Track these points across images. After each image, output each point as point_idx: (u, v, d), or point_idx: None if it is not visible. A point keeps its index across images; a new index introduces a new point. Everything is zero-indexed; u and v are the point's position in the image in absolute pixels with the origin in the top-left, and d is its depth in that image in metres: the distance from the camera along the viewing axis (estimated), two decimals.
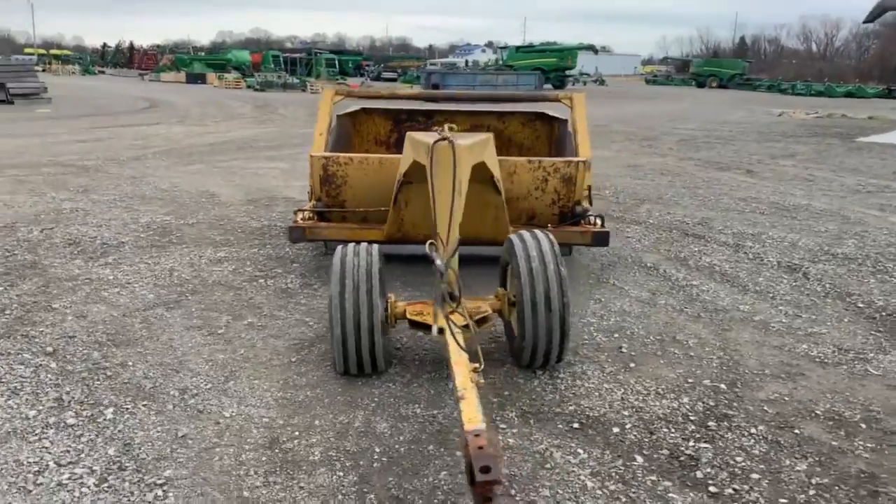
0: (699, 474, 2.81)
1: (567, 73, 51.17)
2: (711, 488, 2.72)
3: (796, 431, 3.17)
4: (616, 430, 3.14)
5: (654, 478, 2.78)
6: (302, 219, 5.00)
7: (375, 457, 2.85)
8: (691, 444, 3.03)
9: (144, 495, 2.54)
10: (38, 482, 2.60)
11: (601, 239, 4.99)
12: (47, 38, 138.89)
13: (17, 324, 4.12)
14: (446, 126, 4.18)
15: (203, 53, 72.06)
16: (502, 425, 3.15)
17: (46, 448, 2.82)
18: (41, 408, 3.15)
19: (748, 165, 11.60)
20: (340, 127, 6.03)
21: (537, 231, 3.71)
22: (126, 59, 73.03)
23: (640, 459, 2.91)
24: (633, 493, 2.68)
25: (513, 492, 2.63)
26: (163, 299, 4.60)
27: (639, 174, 10.46)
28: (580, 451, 2.96)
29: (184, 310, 4.42)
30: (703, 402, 3.41)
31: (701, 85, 59.52)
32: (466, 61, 69.22)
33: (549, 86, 49.24)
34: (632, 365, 3.82)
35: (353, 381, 3.49)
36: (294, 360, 3.75)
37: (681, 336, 4.24)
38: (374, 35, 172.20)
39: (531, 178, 4.94)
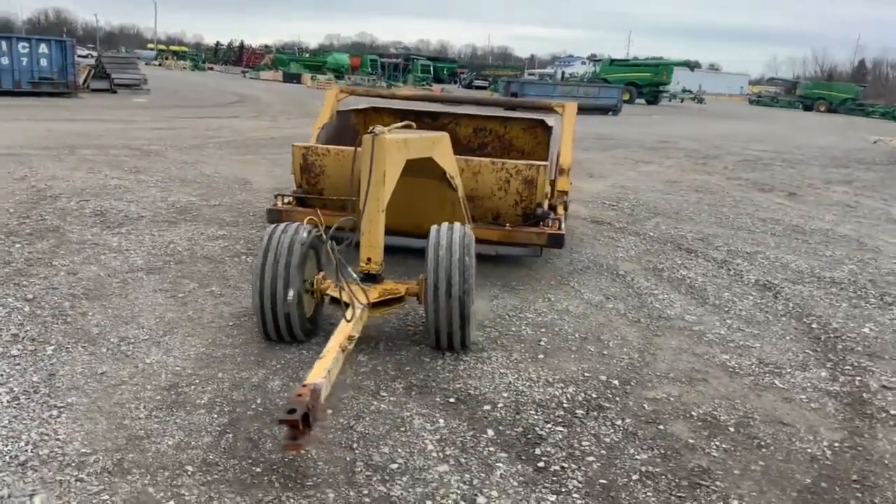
0: (538, 451, 3.02)
1: (661, 88, 50.15)
2: (540, 464, 2.92)
3: (660, 427, 3.31)
4: (487, 407, 3.38)
5: (492, 448, 3.01)
6: (282, 203, 5.44)
7: (254, 407, 3.21)
8: (548, 426, 3.23)
9: (42, 413, 3.01)
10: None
11: (556, 240, 5.17)
12: (171, 34, 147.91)
13: (15, 274, 4.75)
14: (401, 123, 4.53)
15: (307, 55, 74.88)
16: (384, 394, 3.44)
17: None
18: (1, 340, 3.70)
19: (795, 189, 11.28)
20: (341, 122, 6.45)
21: (457, 224, 3.97)
22: (236, 56, 76.88)
23: (490, 433, 3.14)
24: (465, 458, 2.92)
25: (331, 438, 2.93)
26: (149, 266, 5.14)
27: (672, 190, 10.40)
28: (441, 420, 3.22)
29: (161, 276, 4.94)
30: (586, 394, 3.59)
31: (808, 108, 56.95)
32: (562, 73, 68.97)
33: (641, 101, 48.48)
34: (540, 356, 4.02)
35: (272, 346, 3.87)
36: (231, 324, 4.16)
37: (606, 336, 4.39)
38: (476, 43, 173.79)
39: (494, 178, 5.18)
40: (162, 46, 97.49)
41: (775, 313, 5.05)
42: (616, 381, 3.76)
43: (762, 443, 3.22)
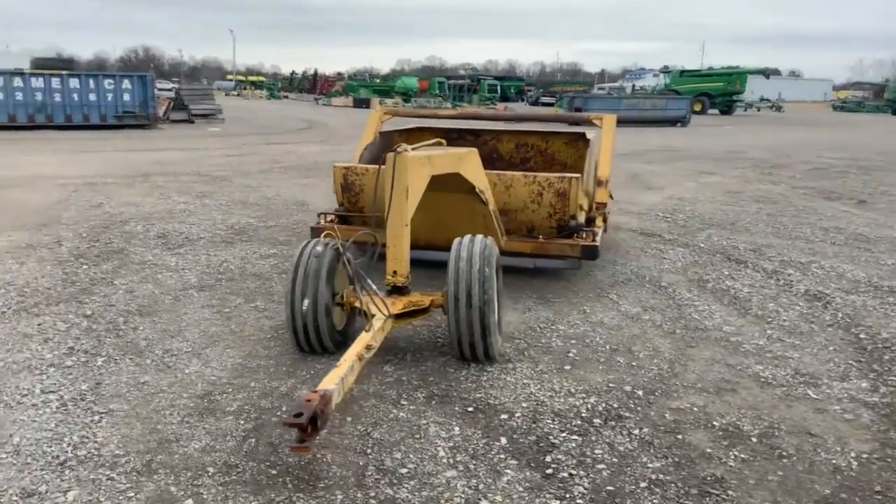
0: (548, 458, 3.05)
1: (735, 98, 48.83)
2: (549, 470, 2.96)
3: (678, 437, 3.29)
4: (504, 416, 3.43)
5: (503, 455, 3.07)
6: (324, 221, 5.66)
7: (279, 414, 3.37)
8: (563, 435, 3.26)
9: (85, 418, 3.26)
10: (21, 401, 3.40)
11: (589, 252, 5.18)
12: (249, 65, 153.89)
13: (79, 293, 5.12)
14: (432, 141, 4.68)
15: (378, 80, 76.57)
16: (404, 402, 3.55)
17: (41, 380, 3.65)
18: (56, 352, 4.01)
19: (867, 196, 10.81)
20: (384, 142, 6.64)
21: (479, 236, 4.06)
22: (310, 84, 79.40)
23: (504, 441, 3.20)
24: (474, 464, 2.99)
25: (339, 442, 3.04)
26: (201, 283, 5.44)
27: (731, 200, 10.15)
28: (456, 428, 3.30)
29: (211, 292, 5.22)
30: (608, 404, 3.59)
31: None
32: (633, 86, 68.08)
33: (714, 111, 47.27)
34: (567, 367, 4.05)
35: (304, 357, 4.04)
36: (269, 336, 4.37)
37: (637, 348, 4.37)
38: (544, 61, 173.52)
39: (527, 191, 5.25)
40: (241, 77, 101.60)
41: (821, 324, 4.89)
42: (640, 392, 3.75)
43: (784, 453, 3.15)
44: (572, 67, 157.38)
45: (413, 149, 4.11)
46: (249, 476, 2.84)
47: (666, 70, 63.71)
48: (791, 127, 33.84)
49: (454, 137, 7.30)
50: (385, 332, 3.80)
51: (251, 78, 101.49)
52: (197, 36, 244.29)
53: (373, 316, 3.82)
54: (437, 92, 56.61)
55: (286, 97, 66.42)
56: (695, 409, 3.57)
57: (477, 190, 4.84)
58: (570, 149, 6.98)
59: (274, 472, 2.88)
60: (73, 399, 3.44)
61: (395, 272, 4.05)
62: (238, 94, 68.75)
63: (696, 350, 4.37)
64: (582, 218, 5.48)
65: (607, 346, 4.38)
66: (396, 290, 4.06)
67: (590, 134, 6.48)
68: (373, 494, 2.75)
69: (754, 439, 3.28)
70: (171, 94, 26.22)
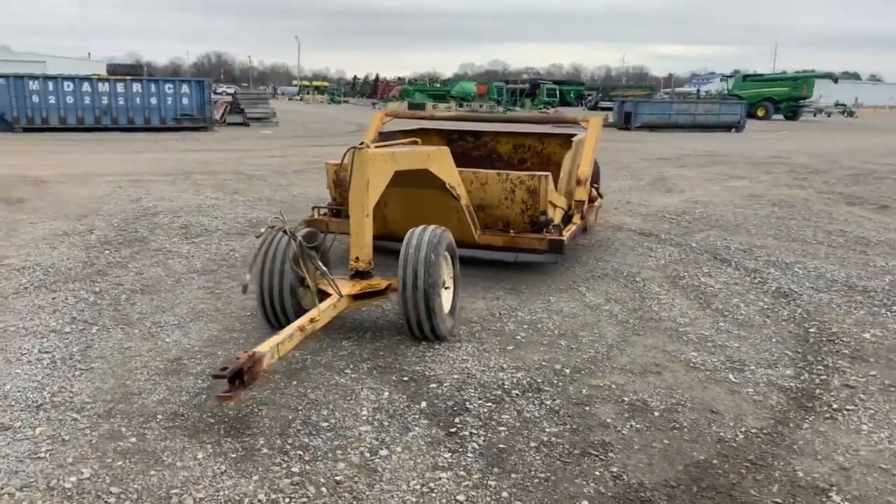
0: (457, 420, 3.41)
1: (801, 102, 47.50)
2: (453, 429, 3.32)
3: (586, 408, 3.59)
4: (433, 385, 3.80)
5: (418, 416, 3.44)
6: (318, 214, 6.13)
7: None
8: (479, 402, 3.61)
9: (68, 374, 3.79)
10: (20, 358, 3.97)
11: (555, 246, 5.48)
12: (315, 70, 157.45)
13: (95, 273, 5.73)
14: (407, 140, 5.10)
15: (437, 84, 77.39)
16: (348, 371, 3.95)
17: (41, 343, 4.22)
18: (60, 322, 4.59)
19: (892, 202, 10.65)
20: (384, 142, 7.06)
21: (432, 227, 4.44)
22: (371, 89, 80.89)
23: (423, 404, 3.57)
24: (389, 421, 3.37)
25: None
26: (204, 268, 5.99)
27: (747, 204, 10.19)
28: (385, 393, 3.69)
29: (210, 276, 5.75)
30: (532, 379, 3.92)
31: None
32: (698, 91, 66.84)
33: (779, 116, 46.11)
34: (510, 348, 4.38)
35: (273, 332, 4.47)
36: (248, 315, 4.85)
37: (584, 334, 4.66)
38: (609, 65, 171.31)
39: (500, 189, 5.59)
40: (305, 82, 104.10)
41: (777, 318, 5.07)
42: (568, 370, 4.05)
43: (678, 426, 3.42)
44: (638, 71, 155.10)
45: (377, 146, 4.53)
46: (190, 423, 3.30)
47: (730, 75, 62.28)
48: (856, 132, 32.77)
49: (456, 138, 7.70)
50: (338, 309, 4.22)
51: (315, 83, 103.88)
52: (266, 42, 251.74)
53: (323, 294, 4.26)
54: (495, 96, 56.99)
55: (346, 101, 67.89)
56: (613, 386, 3.86)
57: (448, 185, 5.21)
58: (564, 150, 7.25)
59: (212, 420, 3.33)
60: (63, 358, 3.99)
61: (357, 258, 4.47)
62: (301, 99, 70.66)
63: (640, 337, 4.63)
64: (556, 214, 5.78)
65: (556, 332, 4.68)
66: (358, 275, 4.48)
67: (580, 135, 6.76)
68: (290, 441, 3.16)
69: (656, 413, 3.55)
70: (229, 99, 27.42)
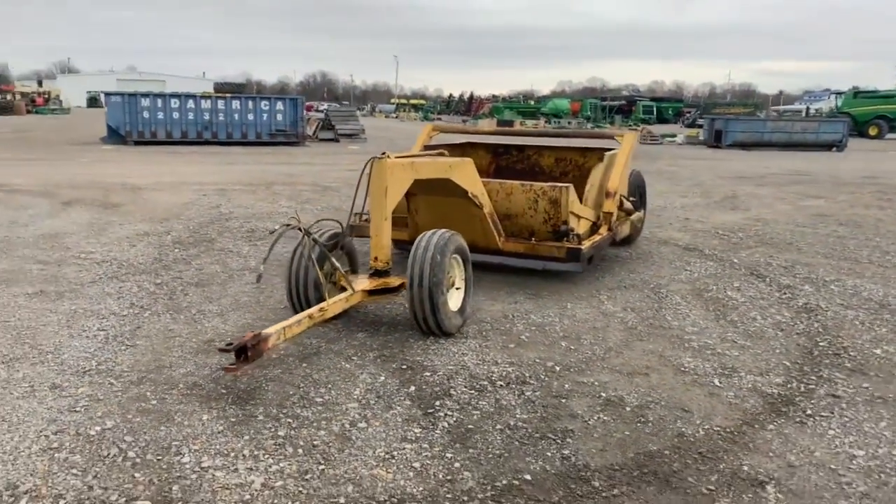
0: (438, 403, 3.75)
1: None
2: (430, 410, 3.66)
3: (562, 401, 3.85)
4: (427, 373, 4.16)
5: (403, 398, 3.80)
6: (358, 220, 6.62)
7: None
8: (463, 389, 3.94)
9: (116, 348, 4.40)
10: (81, 334, 4.63)
11: (573, 254, 5.71)
12: (415, 89, 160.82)
13: (160, 268, 6.44)
14: (435, 152, 5.51)
15: (532, 102, 77.57)
16: (355, 358, 4.37)
17: (101, 322, 4.87)
18: (121, 306, 5.26)
19: None
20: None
21: (441, 230, 4.82)
22: (465, 107, 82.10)
23: (412, 388, 3.93)
24: (375, 400, 3.75)
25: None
26: (258, 267, 6.59)
27: (812, 223, 9.96)
28: (381, 377, 4.08)
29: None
30: (521, 373, 4.20)
31: None
32: (807, 109, 63.99)
33: (893, 136, 43.49)
34: (511, 346, 4.68)
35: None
36: (283, 307, 5.35)
37: (587, 337, 4.89)
38: (714, 82, 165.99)
39: (524, 198, 5.89)
40: (403, 100, 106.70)
41: (790, 332, 5.11)
42: (558, 368, 4.31)
43: (644, 420, 3.63)
44: (745, 88, 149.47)
45: (397, 156, 4.96)
46: (205, 392, 3.80)
47: (841, 92, 59.18)
48: None
49: (501, 152, 8.05)
50: (350, 303, 4.66)
51: (412, 101, 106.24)
52: (368, 62, 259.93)
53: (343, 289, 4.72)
54: (588, 113, 56.69)
55: (439, 119, 69.21)
56: (596, 383, 4.09)
57: (470, 194, 5.58)
58: None
59: (224, 391, 3.82)
60: (115, 336, 4.62)
61: (376, 258, 4.90)
62: (396, 117, 72.60)
63: (641, 343, 4.81)
64: (581, 225, 6.02)
65: (561, 334, 4.93)
66: (377, 273, 4.91)
67: (613, 150, 6.96)
68: (284, 412, 3.60)
69: (628, 409, 3.77)
70: (322, 115, 28.78)
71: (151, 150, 21.09)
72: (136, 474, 2.96)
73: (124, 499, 2.78)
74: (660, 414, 3.70)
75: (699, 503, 2.89)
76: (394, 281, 4.88)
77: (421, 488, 2.94)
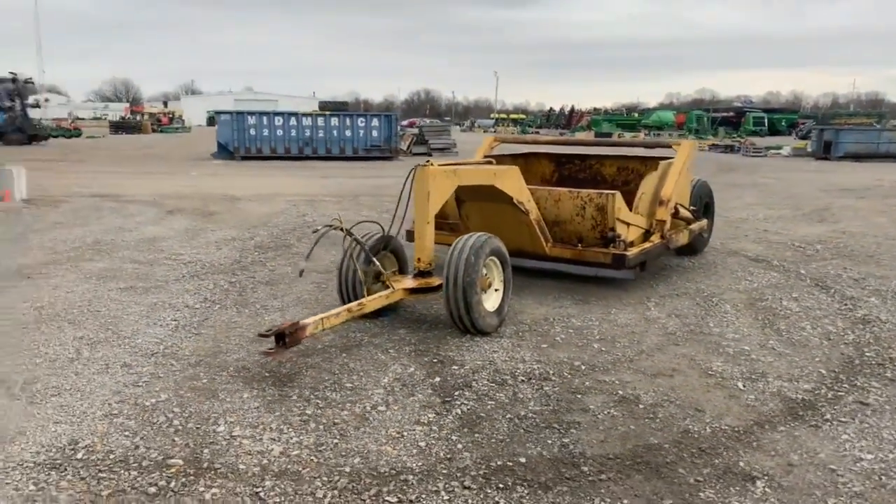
0: (457, 393, 3.99)
1: None
2: (448, 398, 3.92)
3: (578, 396, 4.01)
4: (455, 367, 4.42)
5: (425, 387, 4.08)
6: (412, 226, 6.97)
7: (298, 349, 4.73)
8: (485, 382, 4.16)
9: (183, 335, 4.92)
10: (156, 323, 5.19)
11: (618, 260, 5.80)
12: (516, 103, 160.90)
13: (238, 269, 7.03)
14: (483, 159, 5.79)
15: (636, 114, 76.08)
16: (392, 351, 4.69)
17: (175, 314, 5.43)
18: (195, 300, 5.83)
19: None
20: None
21: (478, 234, 5.07)
22: (566, 120, 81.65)
23: (437, 379, 4.20)
24: (400, 387, 4.05)
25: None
26: (325, 269, 7.06)
27: None
28: (411, 369, 4.37)
29: (325, 275, 6.79)
30: (544, 370, 4.38)
31: None
32: None
33: None
34: (544, 346, 4.86)
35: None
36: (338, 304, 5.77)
37: (623, 340, 4.99)
38: (837, 91, 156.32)
39: (572, 205, 6.04)
40: (503, 115, 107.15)
41: (838, 342, 5.00)
42: (584, 367, 4.45)
43: (653, 416, 3.73)
44: (872, 97, 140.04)
45: (440, 164, 5.28)
46: (251, 375, 4.22)
47: None
48: None
49: (564, 162, 8.20)
50: (390, 299, 4.99)
51: (512, 116, 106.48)
52: (470, 79, 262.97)
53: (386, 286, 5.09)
54: (695, 125, 55.06)
55: (537, 132, 69.16)
56: (616, 382, 4.21)
57: (515, 201, 5.80)
58: None
59: (267, 375, 4.23)
60: (185, 325, 5.15)
61: (419, 259, 5.22)
62: (494, 131, 73.18)
63: (676, 347, 4.86)
64: (630, 232, 6.09)
65: (597, 337, 5.05)
66: (420, 274, 5.23)
67: (669, 159, 6.97)
68: (316, 394, 3.96)
69: (641, 406, 3.87)
70: (416, 131, 29.62)
71: (256, 164, 22.44)
72: (176, 438, 3.39)
73: (162, 457, 3.20)
74: (671, 412, 3.78)
75: (683, 492, 2.99)
76: (434, 281, 5.16)
77: (420, 464, 3.20)
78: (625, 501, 2.92)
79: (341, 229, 5.01)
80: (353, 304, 4.68)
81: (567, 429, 3.57)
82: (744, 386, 4.15)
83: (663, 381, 4.23)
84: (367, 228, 5.48)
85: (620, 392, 4.05)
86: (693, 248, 7.70)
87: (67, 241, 8.43)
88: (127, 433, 3.43)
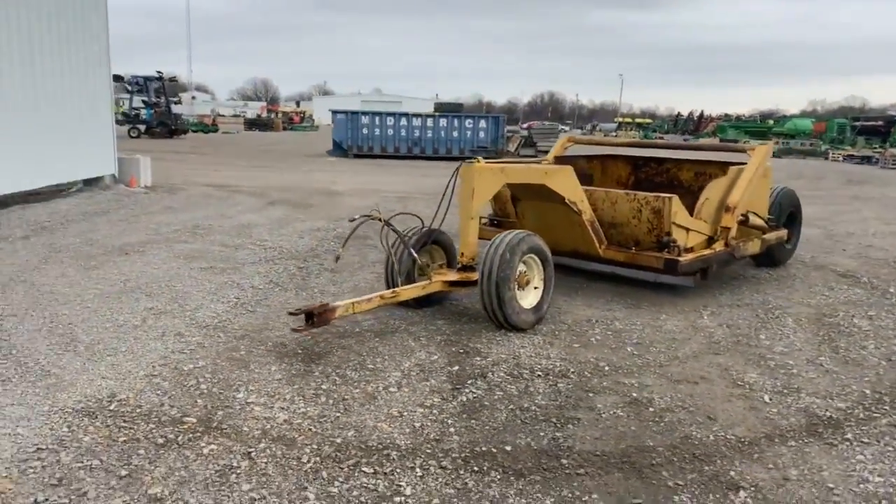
0: (469, 381, 4.10)
1: None
2: (459, 386, 4.03)
3: (589, 395, 4.01)
4: (478, 358, 4.52)
5: (441, 373, 4.21)
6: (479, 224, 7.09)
7: (336, 330, 5.00)
8: (501, 375, 4.24)
9: (239, 312, 5.31)
10: (220, 300, 5.63)
11: (670, 265, 5.66)
12: (644, 107, 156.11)
13: (310, 256, 7.45)
14: (541, 159, 5.86)
15: (771, 122, 71.99)
16: (423, 340, 4.86)
17: (239, 293, 5.86)
18: (262, 282, 6.25)
19: None
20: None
21: (516, 231, 5.14)
22: (694, 125, 78.51)
23: (455, 368, 4.33)
24: (416, 372, 4.21)
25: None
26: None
27: None
28: (434, 356, 4.52)
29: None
30: (565, 368, 4.40)
31: None
32: None
33: None
34: (576, 346, 4.86)
35: (397, 307, 5.59)
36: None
37: (660, 345, 4.90)
38: None
39: (629, 208, 5.96)
40: (628, 119, 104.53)
41: (891, 360, 4.67)
42: (608, 368, 4.43)
43: (658, 420, 3.68)
44: None
45: (488, 161, 5.40)
46: (285, 351, 4.52)
47: None
48: None
49: (640, 165, 8.05)
50: (426, 290, 5.17)
51: (638, 120, 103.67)
52: (596, 81, 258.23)
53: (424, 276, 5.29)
54: (835, 134, 51.45)
55: (661, 137, 66.99)
56: (636, 385, 4.16)
57: (567, 201, 5.81)
58: None
59: (300, 352, 4.52)
60: (244, 303, 5.56)
61: (462, 254, 5.37)
62: (615, 135, 71.66)
63: (714, 356, 4.72)
64: (690, 237, 5.92)
65: (634, 341, 4.99)
66: (463, 268, 5.37)
67: (740, 165, 6.69)
68: (338, 371, 4.19)
69: (651, 409, 3.83)
70: (525, 133, 29.61)
71: (365, 162, 23.30)
72: (199, 400, 3.72)
73: (180, 414, 3.54)
74: (680, 417, 3.72)
75: (658, 493, 2.97)
76: (474, 275, 5.28)
77: (409, 442, 3.35)
78: (594, 496, 2.93)
79: (379, 219, 5.22)
80: (387, 292, 4.89)
81: (564, 424, 3.60)
82: (770, 399, 3.99)
83: (685, 387, 4.14)
84: (412, 222, 5.66)
85: (635, 394, 4.01)
86: (773, 259, 7.35)
87: (171, 224, 9.21)
88: (158, 392, 3.80)
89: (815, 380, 4.31)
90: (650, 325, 5.34)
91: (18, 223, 8.73)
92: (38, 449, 3.14)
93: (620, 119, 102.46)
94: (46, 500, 2.75)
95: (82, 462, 3.04)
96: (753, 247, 6.59)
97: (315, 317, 4.32)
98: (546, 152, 24.87)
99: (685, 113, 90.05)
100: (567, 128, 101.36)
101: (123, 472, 2.97)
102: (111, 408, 3.59)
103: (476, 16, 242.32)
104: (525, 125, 51.21)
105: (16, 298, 5.53)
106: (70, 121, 11.61)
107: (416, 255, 5.34)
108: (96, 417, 3.47)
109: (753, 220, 6.52)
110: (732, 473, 3.14)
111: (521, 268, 5.14)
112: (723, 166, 7.45)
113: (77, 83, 11.89)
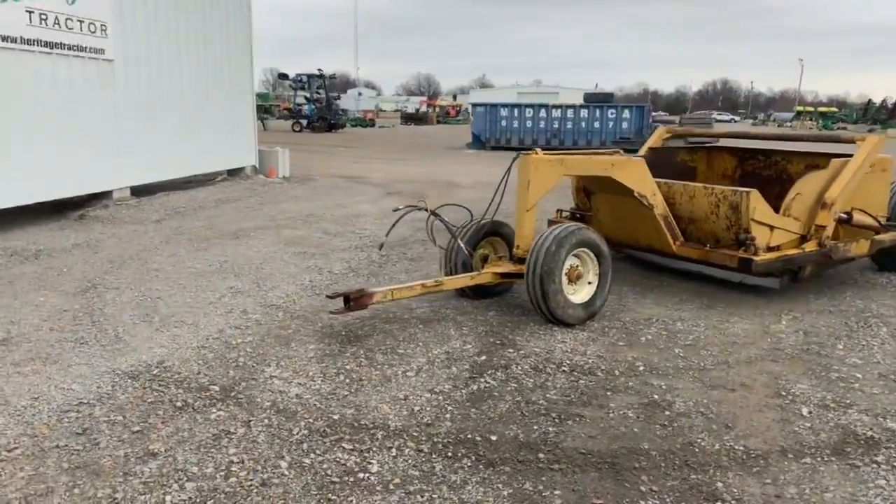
0: (489, 371, 4.14)
1: None
2: (476, 375, 4.08)
3: (608, 394, 3.90)
4: (510, 350, 4.52)
5: (466, 362, 4.27)
6: (559, 216, 6.99)
7: (379, 315, 5.19)
8: (525, 368, 4.22)
9: (308, 294, 5.67)
10: (293, 282, 6.04)
11: (744, 264, 5.27)
12: (832, 95, 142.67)
13: (398, 245, 7.70)
14: (597, 152, 5.77)
15: None
16: (466, 329, 4.92)
17: (315, 277, 6.24)
18: (342, 268, 6.60)
19: None
20: (659, 157, 7.34)
21: (567, 224, 5.05)
22: (887, 114, 70.85)
23: (483, 358, 4.37)
24: (443, 359, 4.30)
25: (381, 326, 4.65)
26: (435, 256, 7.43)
27: None
28: (469, 345, 4.58)
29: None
30: (594, 365, 4.29)
31: None
32: None
33: None
34: (621, 344, 4.71)
35: (451, 296, 5.70)
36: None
37: (713, 349, 4.63)
38: None
39: (707, 202, 5.62)
40: (809, 108, 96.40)
41: None
42: (643, 368, 4.27)
43: (668, 424, 3.51)
44: None
45: (546, 152, 5.36)
46: (329, 332, 4.78)
47: None
48: None
49: (747, 157, 7.53)
50: (475, 281, 5.22)
51: (820, 109, 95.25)
52: (775, 66, 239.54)
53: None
54: None
55: (843, 129, 61.14)
56: (664, 387, 3.98)
57: (636, 194, 5.60)
58: None
59: (343, 333, 4.75)
60: (314, 287, 5.92)
61: (517, 246, 5.37)
62: (791, 126, 66.38)
63: (768, 363, 4.39)
64: (772, 235, 5.48)
65: (685, 343, 4.74)
66: (518, 260, 5.37)
67: (843, 158, 6.07)
68: (369, 354, 4.38)
69: (666, 413, 3.66)
70: (676, 124, 28.26)
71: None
72: (231, 371, 4.06)
73: (208, 383, 3.89)
74: (693, 423, 3.53)
75: (627, 497, 2.87)
76: (524, 268, 5.26)
77: (400, 423, 3.46)
78: (556, 492, 2.89)
79: (426, 209, 5.34)
80: (429, 281, 5.00)
81: (564, 420, 3.54)
82: (808, 412, 3.67)
83: (717, 393, 3.90)
84: (454, 212, 5.73)
85: (656, 396, 3.84)
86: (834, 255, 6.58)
87: (288, 212, 9.89)
88: (200, 362, 4.19)
89: (877, 396, 3.89)
90: (715, 328, 5.04)
91: (157, 208, 9.78)
92: (80, 403, 3.60)
93: (801, 108, 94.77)
94: (67, 445, 3.17)
95: (109, 417, 3.45)
96: (859, 248, 5.96)
97: (352, 301, 4.53)
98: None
99: (876, 101, 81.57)
100: (738, 118, 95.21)
101: (136, 428, 3.33)
102: (154, 372, 4.01)
103: (646, 2, 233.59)
104: (681, 116, 48.84)
105: (125, 274, 6.25)
106: (217, 115, 12.77)
107: (463, 245, 5.40)
108: (138, 379, 3.90)
109: (860, 218, 5.90)
110: (719, 485, 2.95)
111: (573, 262, 5.05)
112: (829, 158, 6.79)
113: (225, 79, 13.02)
